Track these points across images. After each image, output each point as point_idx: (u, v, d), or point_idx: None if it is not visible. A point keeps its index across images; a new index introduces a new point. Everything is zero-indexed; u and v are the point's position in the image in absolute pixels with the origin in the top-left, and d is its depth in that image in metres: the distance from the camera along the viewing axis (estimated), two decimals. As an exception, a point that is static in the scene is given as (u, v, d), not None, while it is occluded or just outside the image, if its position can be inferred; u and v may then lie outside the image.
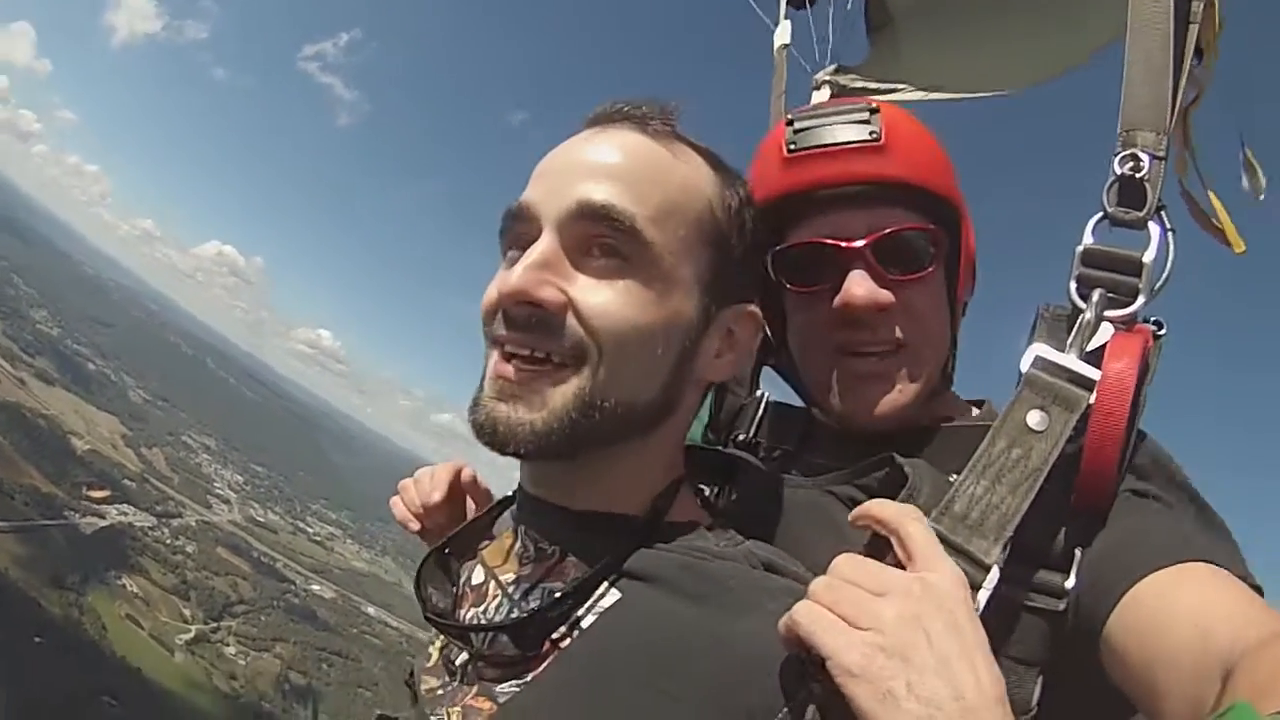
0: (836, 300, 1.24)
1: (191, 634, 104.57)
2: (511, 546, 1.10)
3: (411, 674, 1.15)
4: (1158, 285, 1.15)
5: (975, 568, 0.91)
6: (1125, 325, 1.13)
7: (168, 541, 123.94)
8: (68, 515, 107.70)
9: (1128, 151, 1.21)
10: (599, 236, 0.92)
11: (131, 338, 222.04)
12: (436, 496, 1.38)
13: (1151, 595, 0.93)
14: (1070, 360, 1.07)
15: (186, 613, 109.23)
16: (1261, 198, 1.85)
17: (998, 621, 0.96)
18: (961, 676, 0.72)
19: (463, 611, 1.11)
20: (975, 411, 1.41)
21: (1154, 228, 1.18)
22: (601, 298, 0.91)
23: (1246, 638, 0.82)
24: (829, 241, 1.25)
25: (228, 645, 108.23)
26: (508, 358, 0.94)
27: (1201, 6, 1.38)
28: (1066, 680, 1.03)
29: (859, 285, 1.22)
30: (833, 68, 2.86)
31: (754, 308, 1.07)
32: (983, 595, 0.89)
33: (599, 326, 0.90)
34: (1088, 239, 1.21)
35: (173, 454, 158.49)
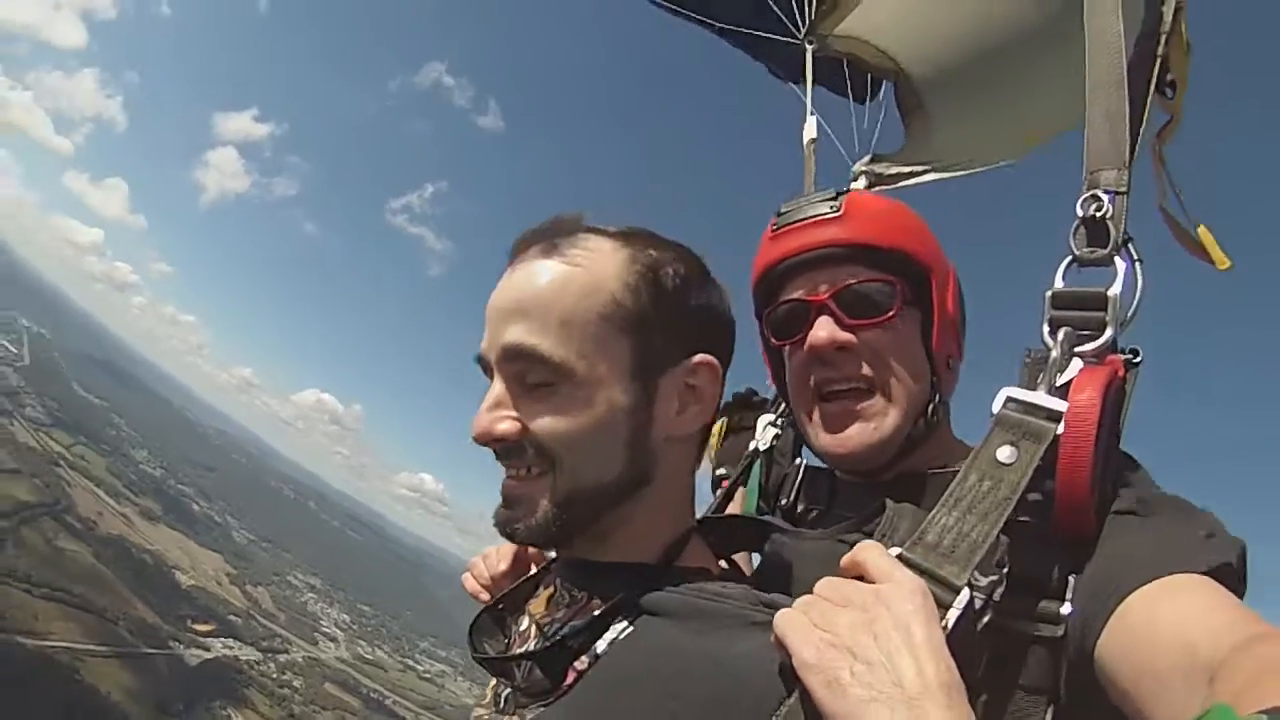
0: (805, 343, 1.41)
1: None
2: (552, 595, 1.22)
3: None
4: (1127, 316, 1.20)
5: (946, 590, 0.95)
6: (1096, 358, 1.18)
7: (274, 676, 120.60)
8: (172, 646, 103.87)
9: (1089, 193, 1.27)
10: (524, 370, 1.05)
11: (234, 481, 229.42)
12: (503, 567, 1.50)
13: (1134, 614, 0.97)
14: (1038, 396, 1.12)
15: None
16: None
17: (1006, 653, 1.07)
18: (903, 667, 0.79)
19: (515, 650, 1.25)
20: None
21: (1120, 262, 1.24)
22: (542, 418, 1.04)
23: (1226, 644, 0.86)
24: (800, 298, 1.43)
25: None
26: (509, 477, 1.10)
27: (1165, 40, 1.51)
28: (1076, 707, 1.07)
29: (821, 328, 1.38)
30: (868, 158, 3.01)
31: (704, 356, 1.13)
32: (953, 614, 0.93)
33: (548, 441, 1.03)
34: (1058, 282, 1.27)
35: (278, 593, 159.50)
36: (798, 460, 1.78)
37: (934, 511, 1.05)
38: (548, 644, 1.09)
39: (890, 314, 1.38)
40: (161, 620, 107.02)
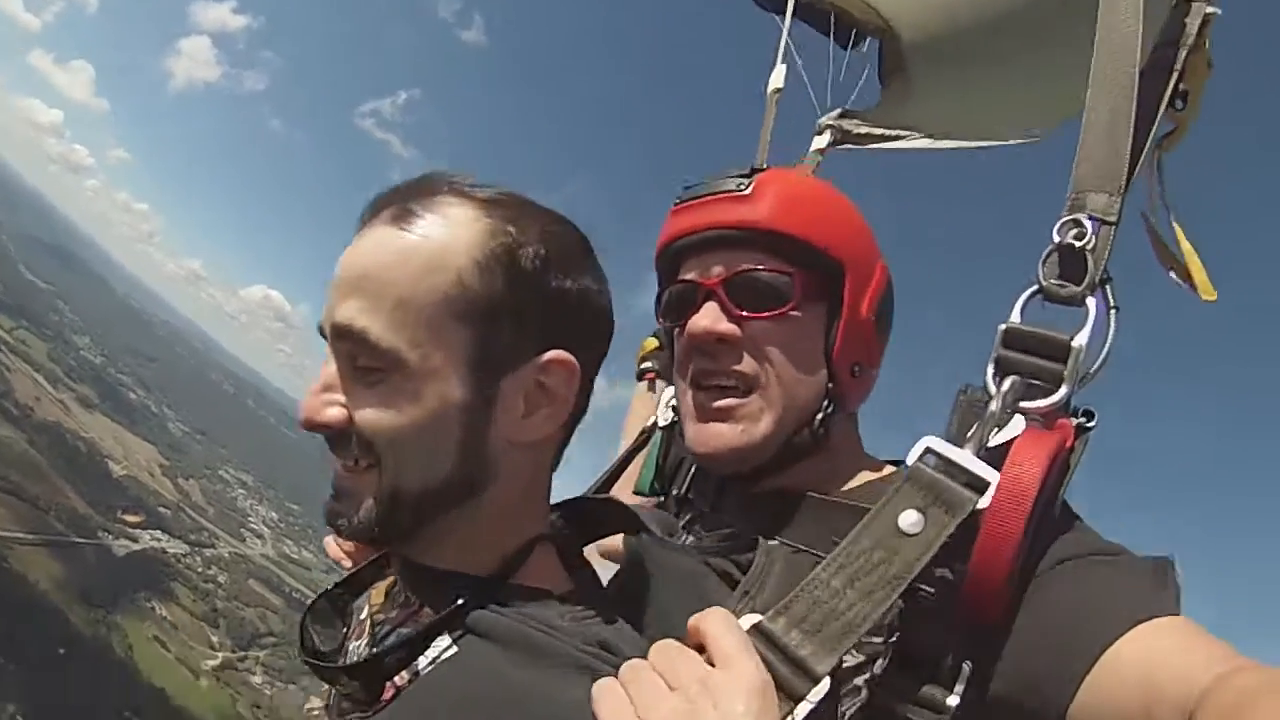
0: (685, 329, 1.30)
1: (219, 660, 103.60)
2: (391, 587, 1.17)
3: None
4: (1091, 371, 1.06)
5: (801, 675, 0.85)
6: (1042, 419, 1.04)
7: (200, 570, 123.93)
8: (101, 536, 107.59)
9: (1071, 216, 1.13)
10: (354, 352, 0.96)
11: (174, 372, 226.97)
12: None
13: (1100, 680, 0.91)
14: (964, 457, 0.98)
15: (215, 640, 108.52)
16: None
17: None
18: None
19: (350, 643, 1.18)
20: (890, 470, 1.37)
21: (1093, 304, 1.08)
22: (368, 408, 0.96)
23: (1199, 683, 0.82)
24: (691, 280, 1.31)
25: (254, 675, 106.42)
26: (335, 464, 1.02)
27: (1185, 54, 1.33)
28: None
29: (704, 315, 1.26)
30: (837, 112, 2.76)
31: (559, 353, 1.01)
32: (803, 708, 0.83)
33: (372, 435, 0.96)
34: (1015, 316, 1.13)
35: (209, 486, 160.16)
36: None
37: (814, 574, 0.93)
38: (369, 655, 1.03)
39: (784, 308, 1.25)
40: (92, 510, 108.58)
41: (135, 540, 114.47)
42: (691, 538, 1.40)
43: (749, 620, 0.89)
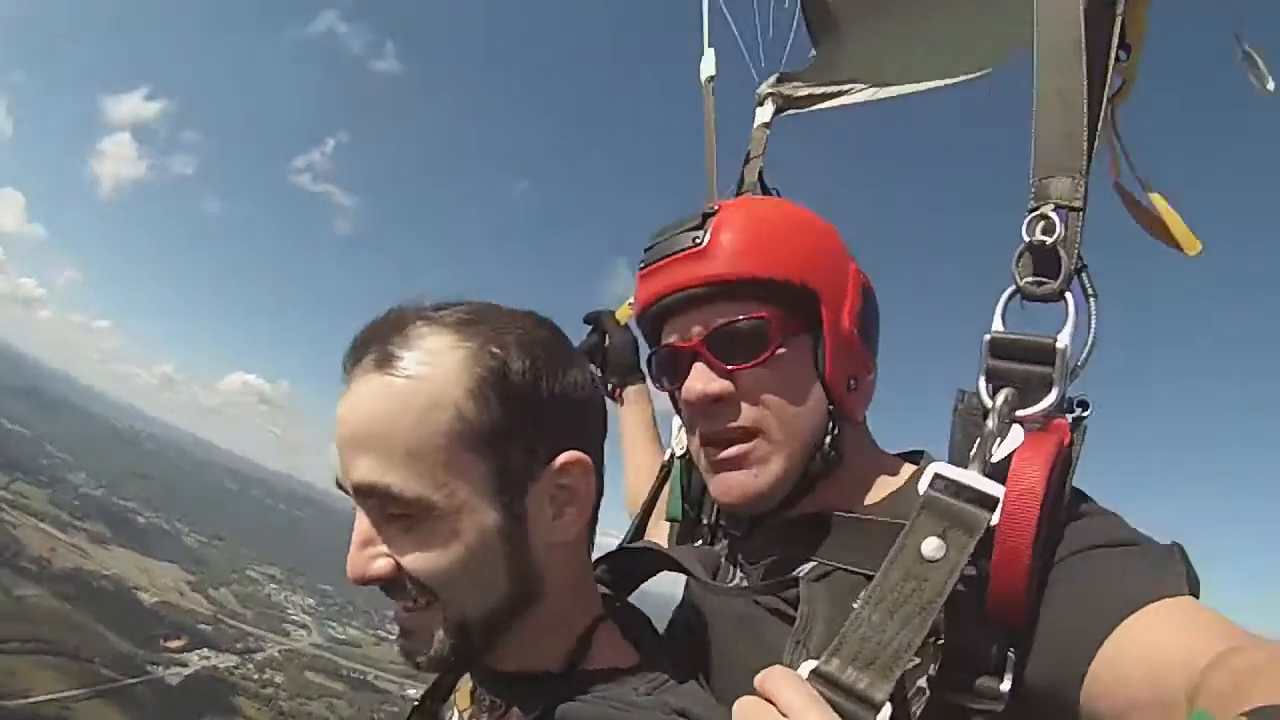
0: (683, 395, 1.34)
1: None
2: (475, 691, 1.20)
3: None
4: (1077, 364, 1.08)
5: (864, 707, 0.91)
6: (1039, 423, 1.07)
7: (255, 676, 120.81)
8: (151, 670, 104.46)
9: (1037, 211, 1.14)
10: (381, 506, 1.00)
11: (174, 484, 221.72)
12: None
13: (1109, 660, 0.94)
14: (971, 477, 1.03)
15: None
16: (1271, 87, 1.74)
17: None
18: None
19: None
20: (909, 468, 1.41)
21: (1071, 299, 1.10)
22: (412, 553, 1.00)
23: (1202, 662, 0.84)
24: (674, 345, 1.37)
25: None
26: (394, 607, 1.06)
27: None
28: None
29: (696, 379, 1.31)
30: (774, 78, 2.74)
31: (571, 455, 1.07)
32: None
33: (425, 578, 0.99)
34: (997, 322, 1.14)
35: (241, 590, 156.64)
36: None
37: (856, 612, 0.99)
38: None
39: (768, 351, 1.29)
40: (135, 647, 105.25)
41: (185, 665, 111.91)
42: (738, 571, 1.44)
43: (807, 667, 0.95)
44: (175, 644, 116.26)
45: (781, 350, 1.29)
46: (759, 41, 2.74)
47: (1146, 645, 0.91)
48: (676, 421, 1.78)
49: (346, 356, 1.06)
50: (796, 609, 1.16)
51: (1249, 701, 0.70)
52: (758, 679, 0.93)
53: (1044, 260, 1.12)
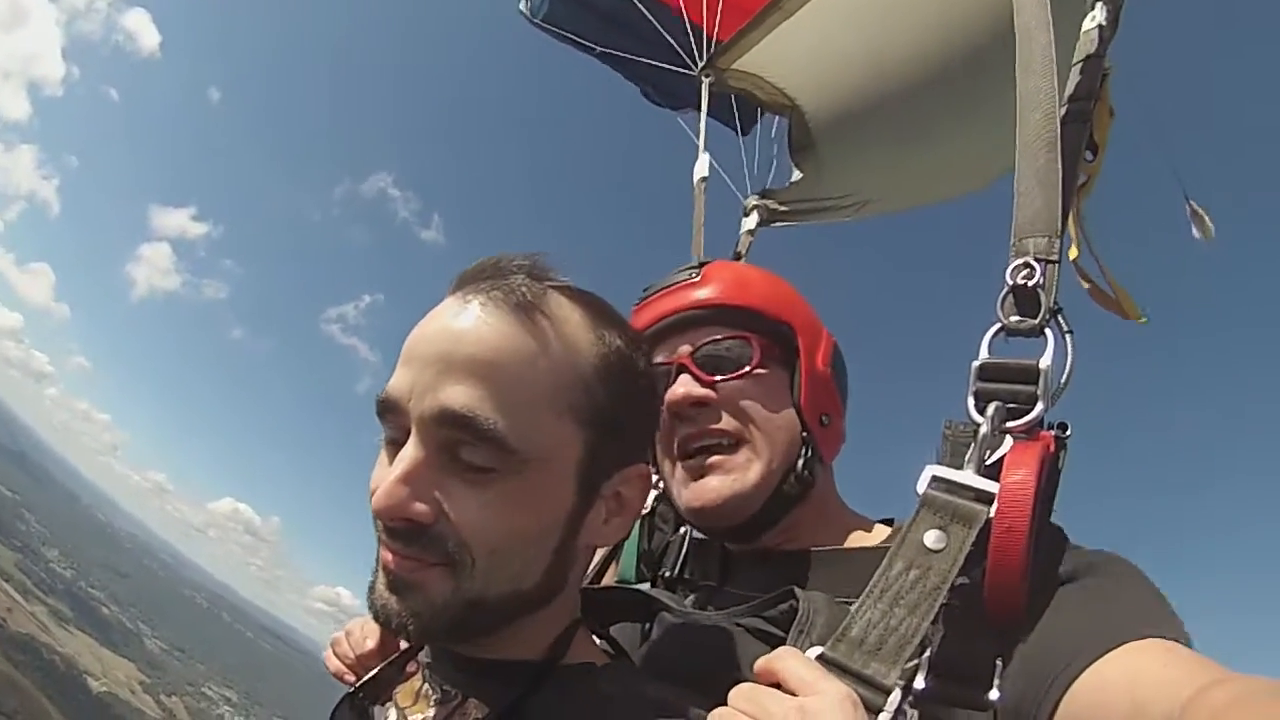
0: (665, 402, 1.39)
1: None
2: (420, 688, 1.09)
3: None
4: (1057, 389, 1.15)
5: (874, 691, 0.89)
6: (1026, 434, 1.13)
7: None
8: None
9: (1020, 260, 1.22)
10: (464, 443, 0.87)
11: (146, 588, 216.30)
12: (370, 644, 1.34)
13: (1088, 687, 0.94)
14: (967, 476, 1.06)
15: None
16: (1212, 238, 2.21)
17: None
18: None
19: None
20: (883, 529, 1.46)
21: (1050, 334, 1.19)
22: (471, 508, 0.87)
23: (1183, 695, 0.83)
24: (661, 362, 1.42)
25: None
26: (393, 552, 0.92)
27: (1093, 104, 1.49)
28: None
29: (680, 385, 1.38)
30: (758, 194, 3.00)
31: (643, 467, 1.03)
32: (884, 717, 0.88)
33: (470, 538, 0.87)
34: (983, 353, 1.21)
35: (193, 704, 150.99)
36: (681, 530, 1.67)
37: (859, 603, 0.99)
38: None
39: (748, 368, 1.38)
40: None
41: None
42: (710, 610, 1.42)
43: (813, 653, 0.94)
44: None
45: (760, 369, 1.39)
46: (744, 161, 3.10)
47: (1127, 679, 0.91)
48: None
49: (467, 276, 0.97)
50: (782, 629, 1.13)
51: None
52: (760, 663, 0.90)
53: (1025, 301, 1.20)
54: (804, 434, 1.40)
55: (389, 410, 0.91)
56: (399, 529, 0.88)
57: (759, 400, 1.38)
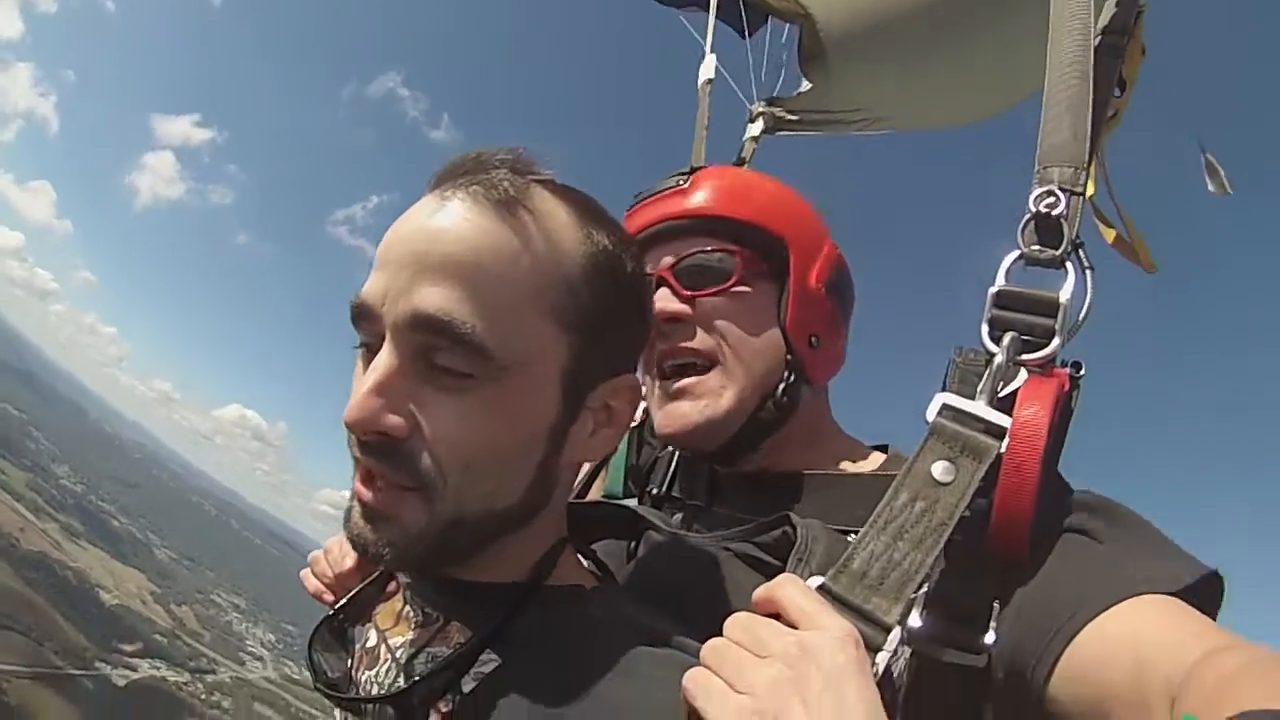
0: None
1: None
2: (401, 609, 1.06)
3: None
4: (1074, 325, 1.11)
5: (874, 628, 0.86)
6: (1041, 369, 1.09)
7: (203, 696, 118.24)
8: (99, 667, 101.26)
9: (1044, 188, 1.18)
10: (439, 348, 0.82)
11: (155, 498, 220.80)
12: (348, 563, 1.30)
13: (1088, 644, 0.91)
14: (979, 408, 1.02)
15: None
16: (1230, 192, 2.11)
17: (917, 679, 0.97)
18: None
19: (358, 674, 1.08)
20: (878, 456, 1.40)
21: (1070, 267, 1.15)
22: (447, 419, 0.83)
23: (1189, 659, 0.81)
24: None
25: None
26: (367, 478, 0.88)
27: (1126, 40, 1.42)
28: None
29: (657, 299, 1.30)
30: (765, 100, 2.87)
31: (631, 378, 0.99)
32: (883, 656, 0.84)
33: (446, 452, 0.83)
34: (1001, 280, 1.17)
35: (202, 612, 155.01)
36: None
37: (862, 534, 0.94)
38: (407, 685, 0.92)
39: (728, 283, 1.31)
40: (87, 640, 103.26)
41: (134, 670, 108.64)
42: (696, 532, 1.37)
43: (813, 583, 0.90)
44: (129, 647, 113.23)
45: (745, 288, 1.33)
46: (750, 66, 2.95)
47: (1134, 630, 0.89)
48: None
49: (446, 172, 0.92)
50: (775, 556, 1.12)
51: (1234, 704, 0.70)
52: (761, 589, 0.87)
53: (1047, 230, 1.17)
54: (788, 356, 1.34)
55: (363, 317, 0.87)
56: (372, 443, 0.84)
57: (739, 319, 1.32)
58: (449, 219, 0.85)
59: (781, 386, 1.32)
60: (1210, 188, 2.09)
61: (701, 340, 1.31)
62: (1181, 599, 0.92)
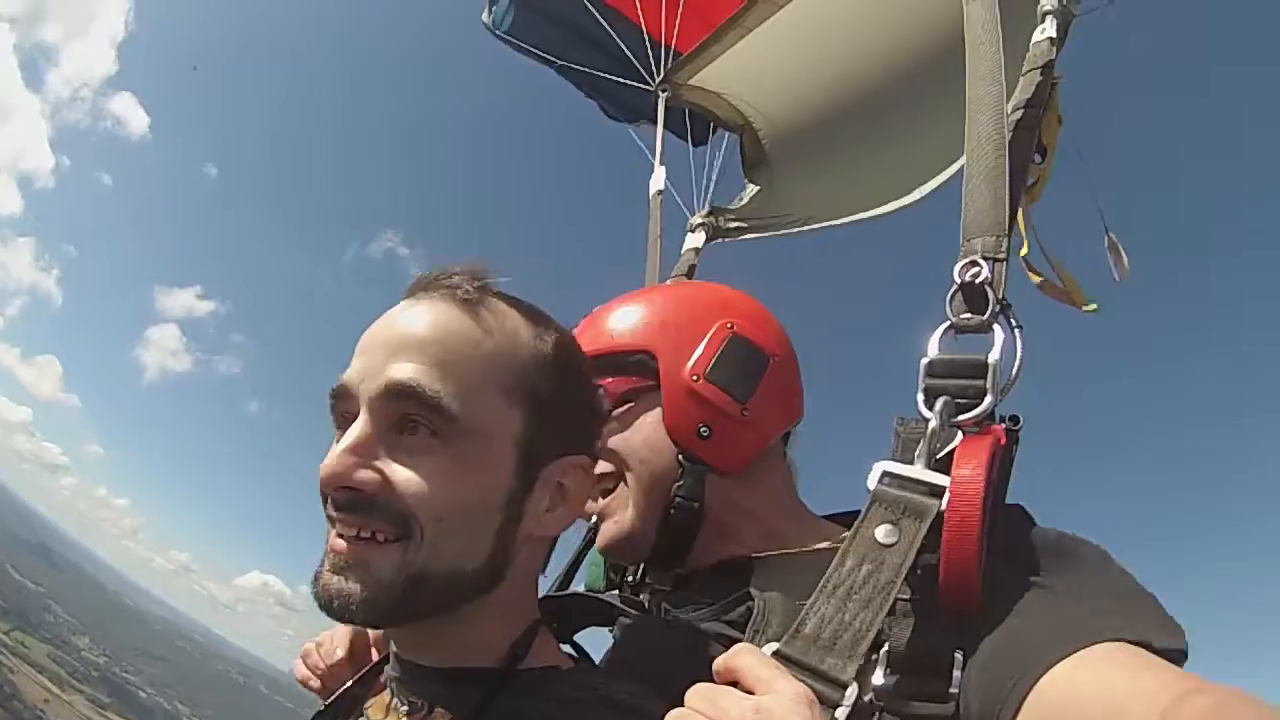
0: None
1: None
2: (390, 702, 1.10)
3: None
4: (1006, 383, 1.15)
5: (830, 686, 0.89)
6: (976, 428, 1.12)
7: None
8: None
9: (968, 259, 1.23)
10: (409, 415, 0.91)
11: (180, 668, 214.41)
12: (339, 654, 1.34)
13: (1054, 691, 0.90)
14: (917, 471, 1.06)
15: None
16: (1126, 277, 2.25)
17: None
18: None
19: None
20: (834, 528, 1.42)
21: (998, 329, 1.19)
22: (415, 476, 0.90)
23: (1161, 703, 0.82)
24: None
25: None
26: (341, 535, 0.93)
27: (1041, 112, 1.53)
28: None
29: None
30: (705, 210, 2.99)
31: (583, 458, 1.05)
32: (842, 712, 0.87)
33: (414, 505, 0.89)
34: (933, 349, 1.21)
35: None
36: None
37: (812, 600, 0.98)
38: None
39: (610, 411, 1.36)
40: None
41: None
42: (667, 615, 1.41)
43: (769, 649, 0.93)
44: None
45: (624, 407, 1.37)
46: (693, 176, 3.10)
47: (1103, 677, 0.89)
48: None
49: (415, 284, 1.04)
50: (742, 630, 1.16)
51: None
52: (718, 661, 0.90)
53: (974, 297, 1.20)
54: (679, 455, 1.35)
55: (341, 397, 0.96)
56: (343, 500, 0.90)
57: (626, 435, 1.36)
58: (419, 313, 0.97)
59: (675, 487, 1.34)
60: (1115, 275, 2.21)
61: (602, 467, 1.34)
62: (1146, 646, 0.92)
